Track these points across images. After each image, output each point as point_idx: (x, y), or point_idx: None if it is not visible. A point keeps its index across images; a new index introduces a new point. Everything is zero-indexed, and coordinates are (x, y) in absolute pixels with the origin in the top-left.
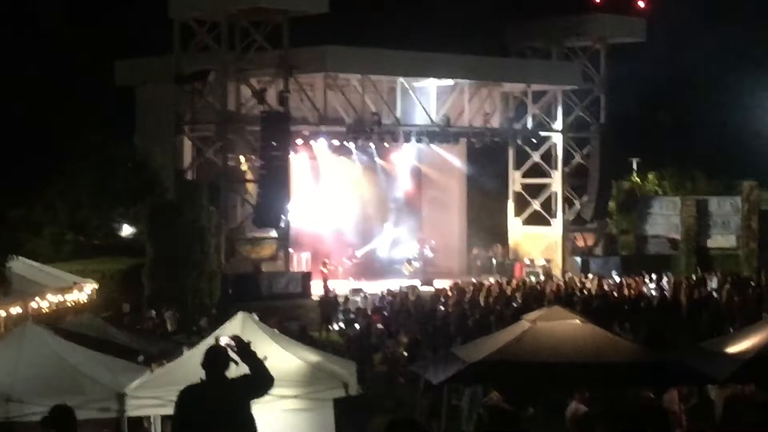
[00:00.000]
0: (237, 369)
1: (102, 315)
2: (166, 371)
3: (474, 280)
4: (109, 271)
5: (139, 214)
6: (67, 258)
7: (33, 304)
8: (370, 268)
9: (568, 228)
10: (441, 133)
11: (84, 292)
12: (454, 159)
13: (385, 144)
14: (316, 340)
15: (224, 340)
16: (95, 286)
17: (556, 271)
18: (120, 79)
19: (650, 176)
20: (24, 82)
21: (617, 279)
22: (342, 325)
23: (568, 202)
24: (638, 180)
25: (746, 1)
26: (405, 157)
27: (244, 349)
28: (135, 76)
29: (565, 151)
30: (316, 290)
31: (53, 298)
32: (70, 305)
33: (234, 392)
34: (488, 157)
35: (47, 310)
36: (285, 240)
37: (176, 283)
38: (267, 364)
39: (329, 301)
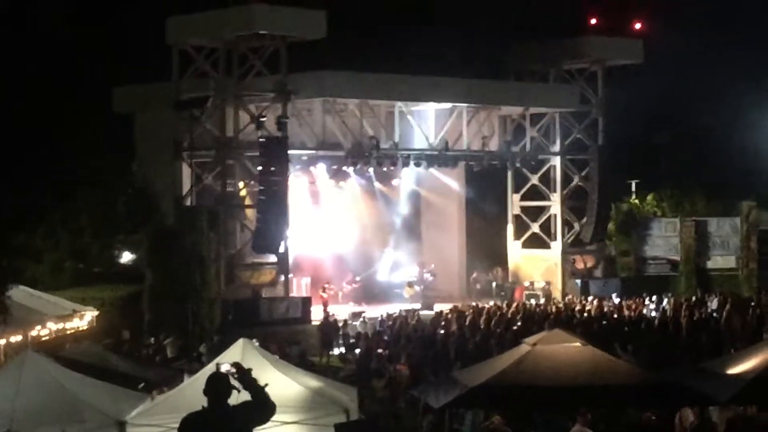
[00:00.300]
0: (239, 396)
1: (102, 342)
2: (167, 398)
3: (474, 303)
4: (109, 298)
5: (139, 240)
6: (67, 285)
7: (33, 332)
8: (370, 292)
9: (568, 250)
10: (439, 157)
11: (84, 319)
12: (452, 183)
13: (384, 168)
14: (316, 365)
15: (225, 367)
16: (95, 313)
17: (556, 294)
18: (118, 106)
19: (649, 198)
20: (22, 105)
21: (617, 301)
22: (342, 349)
23: (567, 224)
24: (637, 201)
25: (744, 21)
26: (404, 181)
27: (245, 376)
28: (134, 103)
29: (564, 174)
30: (316, 315)
31: (53, 326)
32: (70, 333)
33: (236, 420)
34: (487, 181)
35: (47, 338)
36: (284, 265)
37: (176, 310)
38: (268, 390)
39: (329, 326)
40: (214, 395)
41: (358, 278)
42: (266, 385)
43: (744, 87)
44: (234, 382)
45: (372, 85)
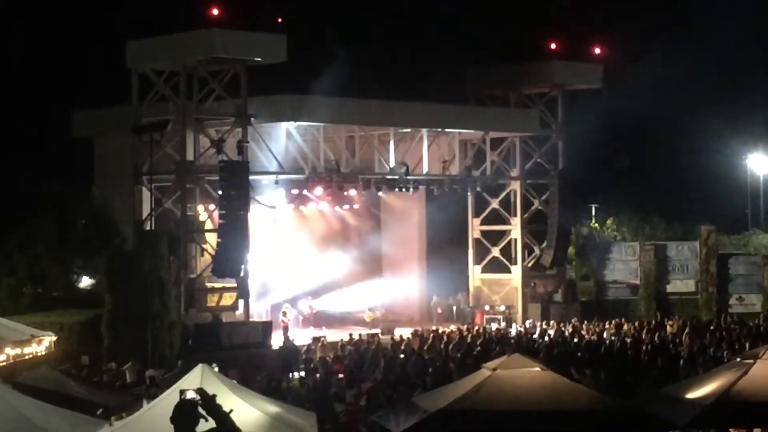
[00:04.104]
0: (205, 424)
1: (60, 368)
2: (126, 424)
3: (434, 327)
4: (67, 323)
5: (98, 265)
6: (26, 311)
7: None
8: (330, 316)
9: (528, 274)
10: (400, 181)
11: (42, 344)
12: (413, 206)
13: (344, 192)
14: (278, 390)
15: (190, 394)
16: (54, 338)
17: (517, 318)
18: (78, 129)
19: (609, 222)
20: None
21: (577, 325)
22: (303, 374)
23: (527, 248)
24: (597, 226)
25: (704, 47)
26: (364, 205)
27: (209, 403)
28: (93, 126)
29: (524, 198)
30: (277, 339)
31: (11, 351)
32: (28, 358)
33: None
34: (447, 205)
35: (4, 364)
36: (245, 289)
37: (136, 335)
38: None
39: (290, 351)
40: (182, 424)
41: (318, 302)
42: (231, 411)
43: (703, 112)
44: (201, 411)
45: (332, 109)
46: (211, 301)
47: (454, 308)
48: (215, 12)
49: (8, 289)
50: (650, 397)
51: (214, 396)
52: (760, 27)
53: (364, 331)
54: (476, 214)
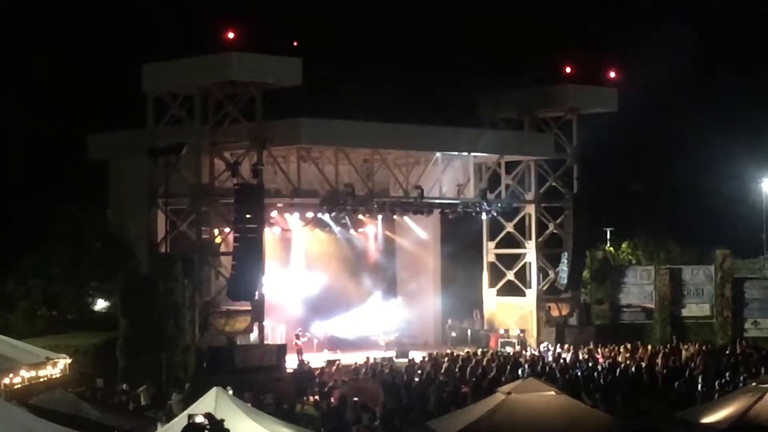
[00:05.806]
0: None
1: (74, 390)
2: None
3: (449, 351)
4: (82, 345)
5: (113, 288)
6: (40, 333)
7: (5, 380)
8: (344, 339)
9: (543, 298)
10: (414, 205)
11: (57, 367)
12: (427, 230)
13: (359, 216)
14: (291, 414)
15: (199, 419)
16: (68, 361)
17: (531, 342)
18: (93, 153)
19: (624, 245)
20: None
21: (592, 348)
22: (317, 397)
23: (542, 272)
24: (612, 249)
25: (717, 71)
26: (379, 228)
27: (217, 427)
28: (108, 150)
29: (539, 221)
30: (291, 363)
31: (26, 374)
32: (42, 381)
33: None
34: (462, 228)
35: (19, 386)
36: (259, 312)
37: (150, 357)
38: None
39: (304, 374)
40: None
41: (332, 325)
42: None
43: (718, 135)
44: None
45: (347, 132)
46: (226, 324)
47: (469, 331)
48: (231, 35)
49: (23, 312)
50: (665, 422)
51: (222, 420)
52: None
53: (379, 354)
54: (491, 238)
